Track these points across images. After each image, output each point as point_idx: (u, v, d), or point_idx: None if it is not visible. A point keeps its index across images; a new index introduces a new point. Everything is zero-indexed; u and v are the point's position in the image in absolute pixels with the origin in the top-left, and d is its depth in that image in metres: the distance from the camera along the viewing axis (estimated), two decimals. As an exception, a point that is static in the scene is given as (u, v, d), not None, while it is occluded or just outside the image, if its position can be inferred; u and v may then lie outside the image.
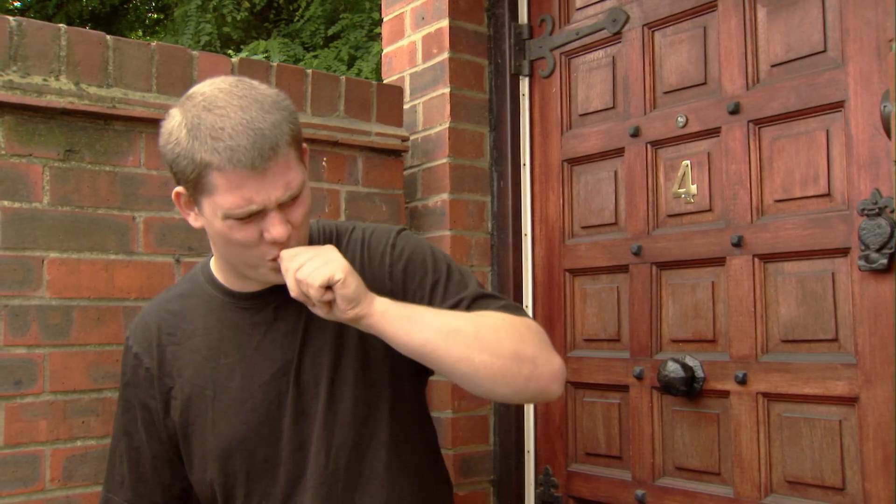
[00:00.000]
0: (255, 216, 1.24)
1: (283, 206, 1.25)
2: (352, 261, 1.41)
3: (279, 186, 1.22)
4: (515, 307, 1.40)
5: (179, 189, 1.30)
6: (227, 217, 1.23)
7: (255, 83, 1.27)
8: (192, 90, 1.28)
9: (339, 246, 1.43)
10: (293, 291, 1.25)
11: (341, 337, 1.39)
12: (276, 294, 1.39)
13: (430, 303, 1.37)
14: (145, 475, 1.47)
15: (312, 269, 1.22)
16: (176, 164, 1.24)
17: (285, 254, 1.27)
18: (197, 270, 1.50)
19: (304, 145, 1.33)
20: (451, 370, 1.28)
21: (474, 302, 1.37)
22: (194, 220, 1.33)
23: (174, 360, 1.43)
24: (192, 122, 1.21)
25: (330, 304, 1.24)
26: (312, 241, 1.43)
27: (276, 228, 1.24)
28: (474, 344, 1.27)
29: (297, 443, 1.37)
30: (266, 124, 1.20)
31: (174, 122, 1.25)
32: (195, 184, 1.24)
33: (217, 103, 1.21)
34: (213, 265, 1.46)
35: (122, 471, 1.48)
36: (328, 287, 1.22)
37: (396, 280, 1.39)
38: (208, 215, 1.27)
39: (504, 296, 1.46)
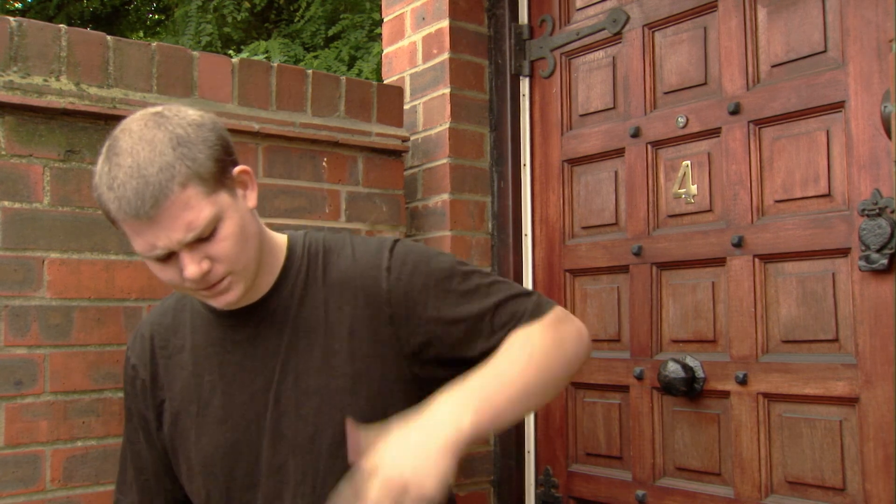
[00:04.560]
0: (171, 256, 1.20)
1: (197, 244, 1.19)
2: (340, 282, 1.35)
3: (177, 229, 1.17)
4: (536, 307, 1.35)
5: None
6: (145, 259, 1.23)
7: (172, 114, 1.22)
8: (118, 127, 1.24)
9: (326, 264, 1.36)
10: None
11: (329, 361, 1.32)
12: (258, 312, 1.35)
13: (441, 315, 1.32)
14: (148, 481, 1.49)
15: None
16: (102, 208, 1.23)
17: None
18: None
19: (236, 169, 1.25)
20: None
21: (500, 319, 1.33)
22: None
23: (165, 374, 1.43)
24: (101, 170, 1.20)
25: None
26: (295, 261, 1.37)
27: (187, 269, 1.19)
28: (541, 389, 1.28)
29: (275, 465, 1.34)
30: (153, 169, 1.15)
31: (98, 163, 1.23)
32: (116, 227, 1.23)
33: (116, 149, 1.18)
34: None
35: (130, 475, 1.50)
36: None
37: (397, 305, 1.32)
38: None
39: (514, 285, 1.41)
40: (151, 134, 1.18)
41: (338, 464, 1.30)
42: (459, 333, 1.33)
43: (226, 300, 1.27)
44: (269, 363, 1.34)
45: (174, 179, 1.15)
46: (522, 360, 1.27)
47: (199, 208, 1.18)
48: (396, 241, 1.38)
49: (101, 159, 1.21)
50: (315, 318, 1.34)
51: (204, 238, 1.19)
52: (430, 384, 1.32)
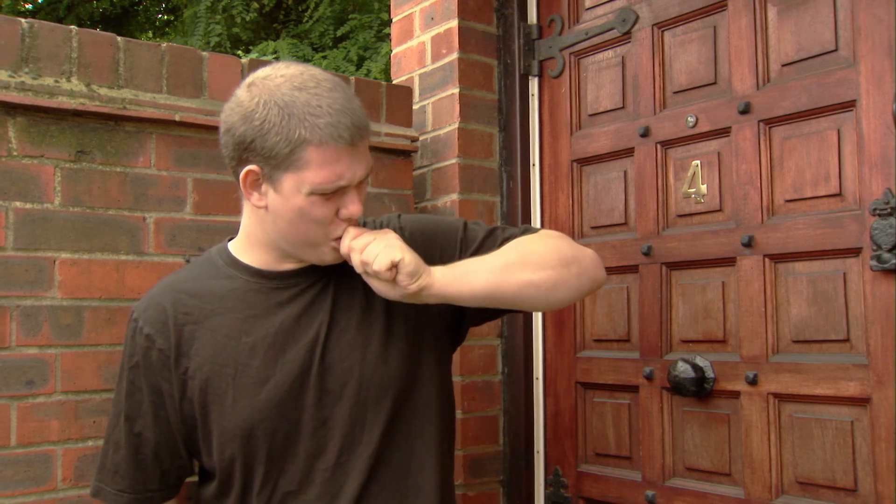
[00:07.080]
0: (335, 193, 1.31)
1: (356, 186, 1.34)
2: None
3: (363, 165, 1.33)
4: (534, 228, 1.55)
5: (253, 167, 1.32)
6: (312, 193, 1.29)
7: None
8: (259, 75, 1.34)
9: None
10: (358, 268, 1.33)
11: (368, 317, 1.43)
12: (305, 275, 1.43)
13: (462, 252, 1.48)
14: (144, 462, 1.46)
15: (377, 251, 1.30)
16: (261, 140, 1.28)
17: (351, 231, 1.34)
18: (212, 254, 1.51)
19: None
20: (517, 298, 1.41)
21: (500, 236, 1.51)
22: (257, 200, 1.36)
23: (192, 340, 1.42)
24: (284, 101, 1.27)
25: (392, 281, 1.32)
26: None
27: (354, 205, 1.33)
28: (525, 268, 1.40)
29: (320, 420, 1.39)
30: (355, 106, 1.31)
31: (252, 102, 1.30)
32: (283, 160, 1.28)
33: (307, 84, 1.29)
34: (235, 247, 1.48)
35: (116, 459, 1.46)
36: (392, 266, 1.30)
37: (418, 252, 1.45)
38: (288, 192, 1.31)
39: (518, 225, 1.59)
40: (333, 79, 1.33)
41: (383, 411, 1.41)
42: (468, 253, 1.49)
43: None
44: (315, 322, 1.41)
45: (368, 120, 1.35)
46: (506, 248, 1.45)
47: (369, 154, 1.37)
48: (399, 214, 1.56)
49: (273, 95, 1.29)
50: (355, 275, 1.41)
51: (360, 182, 1.35)
52: (454, 314, 1.50)
